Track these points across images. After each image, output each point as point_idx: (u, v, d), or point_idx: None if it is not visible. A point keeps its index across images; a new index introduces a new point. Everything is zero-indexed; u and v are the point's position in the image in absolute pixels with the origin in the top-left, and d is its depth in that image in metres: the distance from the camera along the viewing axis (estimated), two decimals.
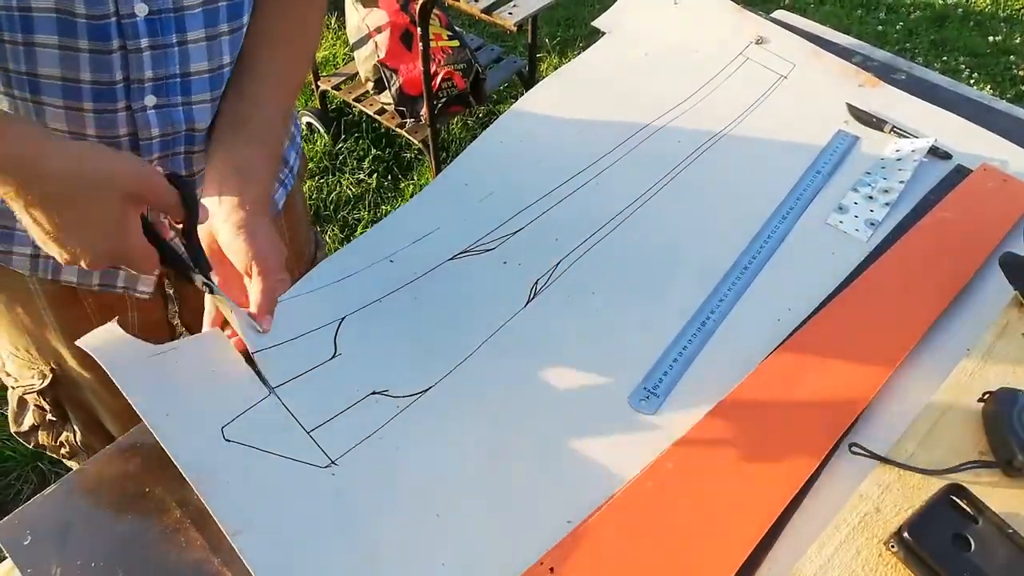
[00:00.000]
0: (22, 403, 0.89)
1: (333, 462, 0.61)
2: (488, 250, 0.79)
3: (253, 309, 0.61)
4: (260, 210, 0.62)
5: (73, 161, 0.51)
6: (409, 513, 0.59)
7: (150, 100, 0.63)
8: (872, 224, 0.82)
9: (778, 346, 0.71)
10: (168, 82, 0.64)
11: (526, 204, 0.84)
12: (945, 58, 2.67)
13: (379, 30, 1.92)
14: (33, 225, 0.53)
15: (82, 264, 0.55)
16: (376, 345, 0.69)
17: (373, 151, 2.20)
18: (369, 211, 2.07)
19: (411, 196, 0.86)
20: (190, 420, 0.60)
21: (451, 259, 0.78)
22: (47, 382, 0.84)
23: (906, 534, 0.55)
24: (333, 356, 0.67)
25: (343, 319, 0.70)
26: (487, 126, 0.94)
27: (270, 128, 0.67)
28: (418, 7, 1.62)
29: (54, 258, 0.55)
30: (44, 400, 0.87)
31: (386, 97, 1.99)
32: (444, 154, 2.13)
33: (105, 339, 0.61)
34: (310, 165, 2.16)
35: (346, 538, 0.57)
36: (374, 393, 0.66)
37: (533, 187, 0.86)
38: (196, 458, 0.57)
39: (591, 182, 0.86)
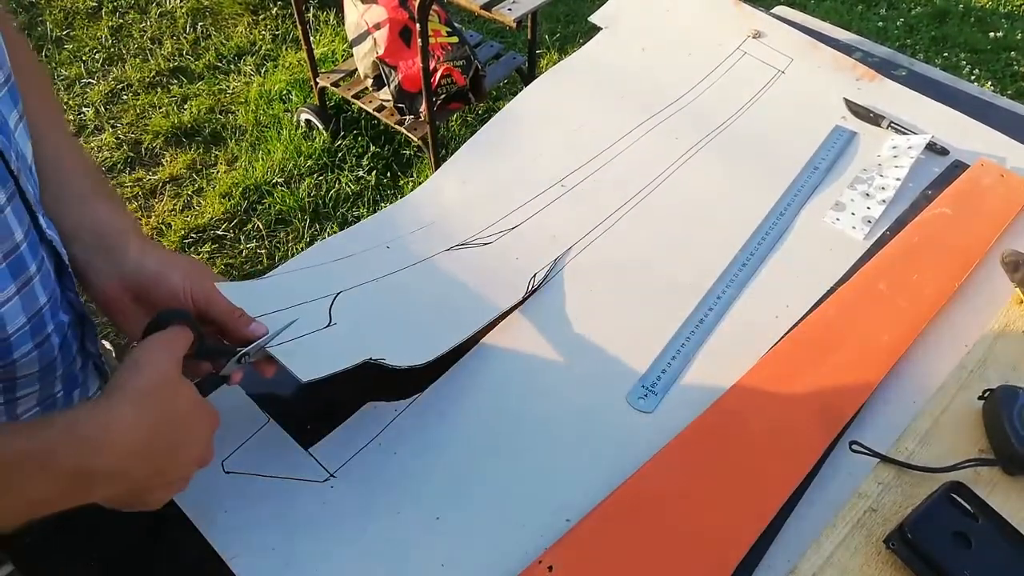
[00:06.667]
0: None
1: (332, 475, 0.61)
2: (485, 244, 0.79)
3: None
4: (151, 244, 0.59)
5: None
6: (408, 518, 0.59)
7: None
8: (869, 221, 0.82)
9: (776, 343, 0.70)
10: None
11: (523, 200, 0.83)
12: (946, 54, 2.66)
13: (378, 26, 1.92)
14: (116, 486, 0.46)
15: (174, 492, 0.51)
16: (371, 319, 0.68)
17: (372, 148, 2.19)
18: (368, 208, 2.06)
19: (410, 193, 0.85)
20: None
21: (447, 250, 0.77)
22: None
23: (907, 532, 0.55)
24: (328, 325, 0.65)
25: (338, 294, 0.69)
26: (486, 123, 0.93)
27: (84, 178, 0.61)
28: (417, 3, 1.61)
29: None
30: None
31: (385, 94, 1.99)
32: (443, 151, 2.12)
33: None
34: (309, 162, 2.15)
35: (346, 545, 0.57)
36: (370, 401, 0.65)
37: (530, 183, 0.85)
38: (197, 496, 0.58)
39: (588, 179, 0.86)
